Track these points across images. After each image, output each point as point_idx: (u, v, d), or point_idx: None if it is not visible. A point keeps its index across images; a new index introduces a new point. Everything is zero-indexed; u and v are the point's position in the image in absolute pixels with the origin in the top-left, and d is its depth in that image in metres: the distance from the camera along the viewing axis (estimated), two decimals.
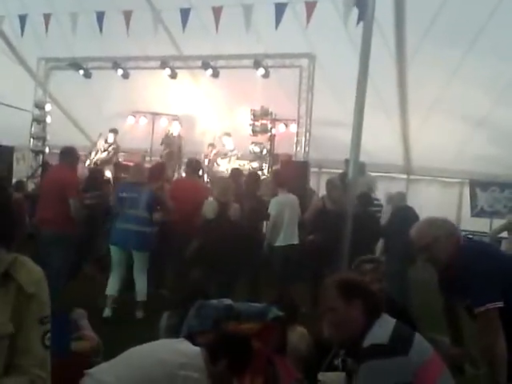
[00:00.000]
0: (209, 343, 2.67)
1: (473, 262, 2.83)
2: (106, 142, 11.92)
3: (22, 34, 11.52)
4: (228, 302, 3.00)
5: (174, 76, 12.65)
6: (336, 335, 2.29)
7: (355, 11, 8.07)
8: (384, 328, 2.18)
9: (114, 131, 11.95)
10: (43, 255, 6.14)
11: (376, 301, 2.30)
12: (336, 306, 2.25)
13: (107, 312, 6.10)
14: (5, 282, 1.73)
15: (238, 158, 11.76)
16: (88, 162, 11.91)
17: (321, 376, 3.48)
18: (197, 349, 2.64)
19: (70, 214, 6.23)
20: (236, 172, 8.57)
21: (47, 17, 11.15)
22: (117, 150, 11.98)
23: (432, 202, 10.25)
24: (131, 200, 6.42)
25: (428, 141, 10.88)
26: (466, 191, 11.43)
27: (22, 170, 12.96)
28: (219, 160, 11.71)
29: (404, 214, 7.73)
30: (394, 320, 2.26)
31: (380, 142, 10.77)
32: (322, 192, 9.26)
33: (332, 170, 11.67)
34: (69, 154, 6.69)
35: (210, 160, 11.75)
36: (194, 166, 7.79)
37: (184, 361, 2.51)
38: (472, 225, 10.42)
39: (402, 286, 7.05)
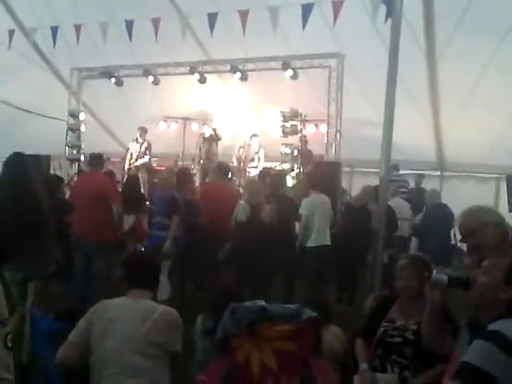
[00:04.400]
0: None
1: None
2: (136, 141, 12.05)
3: (54, 45, 11.76)
4: (261, 303, 2.98)
5: (203, 81, 12.72)
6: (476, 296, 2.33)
7: (383, 8, 7.99)
8: None
9: (143, 129, 12.01)
10: (82, 264, 6.28)
11: None
12: (495, 277, 2.26)
13: None
14: None
15: (268, 160, 11.74)
16: (127, 166, 12.09)
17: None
18: None
19: (111, 221, 6.31)
20: (264, 173, 8.58)
21: (78, 27, 11.34)
22: (149, 148, 12.04)
23: (467, 199, 10.02)
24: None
25: (461, 136, 10.66)
26: (503, 186, 11.16)
27: None
28: (251, 163, 11.75)
29: (439, 212, 7.61)
30: None
31: (412, 139, 10.61)
32: (355, 191, 9.22)
33: (364, 170, 11.58)
34: (98, 160, 6.83)
35: (242, 163, 11.78)
36: (224, 169, 7.80)
37: None
38: (510, 220, 10.18)
39: None
